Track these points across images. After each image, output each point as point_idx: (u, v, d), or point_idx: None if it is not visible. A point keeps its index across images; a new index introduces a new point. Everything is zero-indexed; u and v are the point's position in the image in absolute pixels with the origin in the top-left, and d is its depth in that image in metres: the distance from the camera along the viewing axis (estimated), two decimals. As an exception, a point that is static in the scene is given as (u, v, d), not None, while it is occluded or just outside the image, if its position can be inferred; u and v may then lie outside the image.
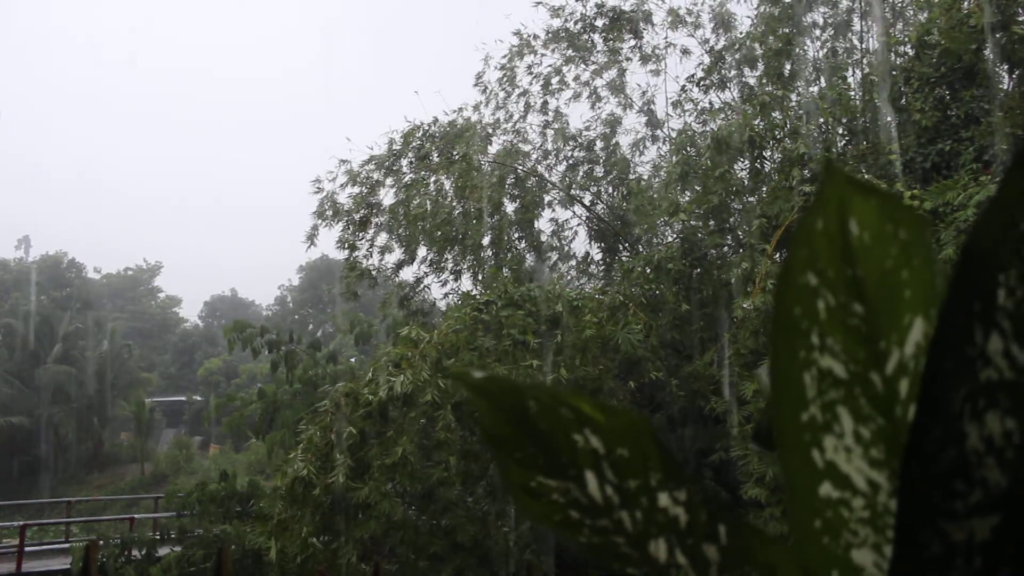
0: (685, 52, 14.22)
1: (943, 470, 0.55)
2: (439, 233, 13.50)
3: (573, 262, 15.55)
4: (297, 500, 8.90)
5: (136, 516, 22.51)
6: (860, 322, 0.62)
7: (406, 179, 13.97)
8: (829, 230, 0.60)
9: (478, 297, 10.48)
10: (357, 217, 14.02)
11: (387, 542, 9.80)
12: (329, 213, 14.05)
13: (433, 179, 13.93)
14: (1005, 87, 10.38)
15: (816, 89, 12.29)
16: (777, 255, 9.66)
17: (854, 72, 12.81)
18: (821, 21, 13.11)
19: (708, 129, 12.29)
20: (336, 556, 9.02)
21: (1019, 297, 0.52)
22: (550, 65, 14.99)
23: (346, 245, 14.15)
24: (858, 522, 0.64)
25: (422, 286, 14.75)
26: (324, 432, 9.18)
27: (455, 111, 14.50)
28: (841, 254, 0.61)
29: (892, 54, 11.37)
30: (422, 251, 14.32)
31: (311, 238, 14.20)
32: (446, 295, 14.58)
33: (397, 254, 14.45)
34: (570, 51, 14.78)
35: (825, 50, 13.10)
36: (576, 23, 14.59)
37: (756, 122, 10.43)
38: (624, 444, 0.66)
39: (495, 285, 10.81)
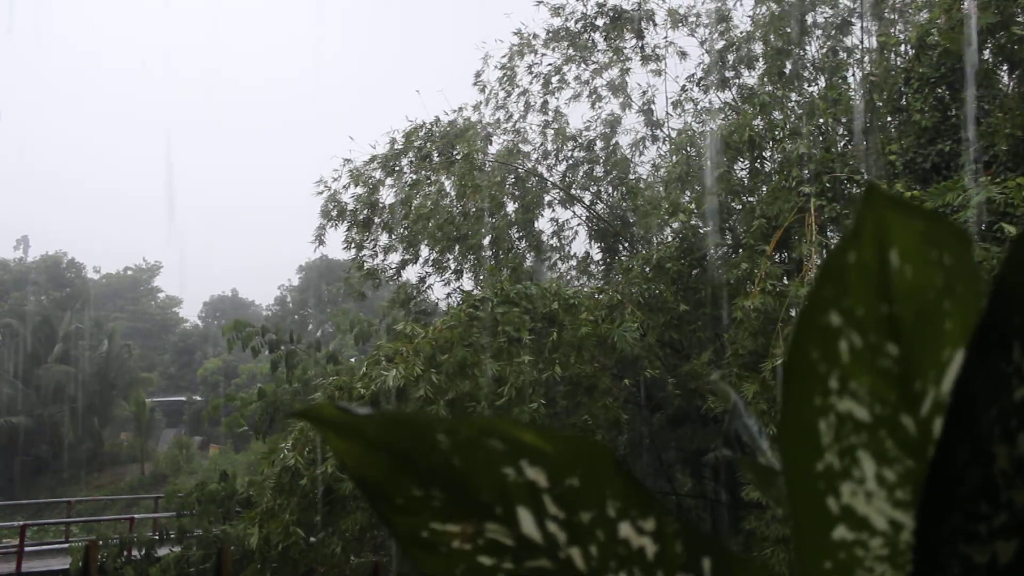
0: (683, 55, 14.21)
1: (968, 491, 0.53)
2: (440, 233, 13.49)
3: (573, 262, 15.55)
4: (284, 490, 8.92)
5: (136, 516, 22.54)
6: (893, 363, 0.57)
7: (407, 179, 13.97)
8: (864, 264, 0.55)
9: (475, 295, 10.48)
10: (360, 217, 14.04)
11: (375, 535, 9.82)
12: (334, 213, 14.10)
13: (434, 179, 13.93)
14: (1005, 87, 10.37)
15: (816, 89, 12.29)
16: (776, 256, 9.65)
17: (854, 72, 12.80)
18: (821, 21, 13.10)
19: (708, 129, 12.28)
20: (321, 546, 9.04)
21: (1063, 312, 0.49)
22: (550, 64, 15.00)
23: (352, 245, 14.19)
24: (875, 560, 0.60)
25: (425, 286, 14.77)
26: (315, 424, 9.17)
27: (455, 111, 14.52)
28: (876, 290, 0.55)
29: (892, 54, 11.36)
30: (424, 251, 14.32)
31: (319, 238, 14.27)
32: (448, 295, 14.59)
33: (399, 254, 14.47)
34: (570, 50, 14.77)
35: (825, 50, 13.09)
36: (577, 22, 14.58)
37: (756, 122, 10.42)
38: (575, 473, 0.59)
39: (493, 282, 10.81)
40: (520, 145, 15.03)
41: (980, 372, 0.51)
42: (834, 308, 0.56)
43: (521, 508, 0.59)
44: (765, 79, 12.20)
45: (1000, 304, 0.50)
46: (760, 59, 12.75)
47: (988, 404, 0.51)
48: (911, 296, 0.56)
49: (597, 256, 15.39)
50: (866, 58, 12.56)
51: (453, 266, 14.36)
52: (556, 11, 14.56)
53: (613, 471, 0.60)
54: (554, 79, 14.96)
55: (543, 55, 14.95)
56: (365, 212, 14.02)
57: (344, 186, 14.13)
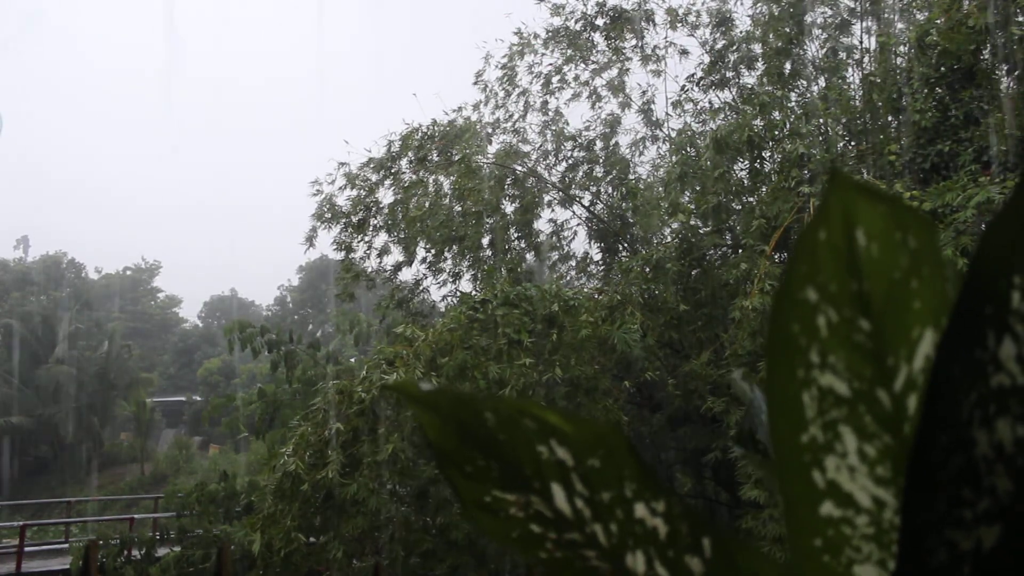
0: (684, 53, 14.20)
1: (950, 477, 0.54)
2: (438, 234, 13.49)
3: (573, 262, 15.54)
4: (286, 495, 8.91)
5: (136, 516, 22.53)
6: (866, 338, 0.60)
7: (405, 180, 13.95)
8: (833, 242, 0.58)
9: (475, 296, 10.47)
10: (355, 219, 14.01)
11: (377, 539, 9.83)
12: (328, 215, 14.05)
13: (432, 179, 13.92)
14: (1005, 87, 10.37)
15: (816, 89, 12.29)
16: (776, 256, 9.65)
17: (854, 72, 12.80)
18: (821, 21, 13.10)
19: (708, 129, 12.28)
20: (323, 551, 9.04)
21: (1033, 301, 0.50)
22: (550, 65, 14.99)
23: (343, 247, 14.15)
24: (861, 539, 0.62)
25: (421, 287, 14.76)
26: (316, 428, 9.18)
27: (455, 110, 14.51)
28: (846, 267, 0.58)
29: (892, 54, 11.37)
30: (421, 252, 14.31)
31: (310, 240, 14.21)
32: (445, 297, 14.58)
33: (396, 255, 14.45)
34: (570, 50, 14.76)
35: (825, 50, 13.09)
36: (577, 22, 14.57)
37: (756, 122, 10.42)
38: (595, 455, 0.64)
39: (492, 284, 10.81)
40: (519, 145, 15.03)
41: (957, 359, 0.52)
42: (810, 284, 0.59)
43: (554, 484, 0.65)
44: (765, 79, 12.20)
45: (973, 293, 0.51)
46: (760, 59, 12.75)
47: (967, 390, 0.52)
48: (879, 274, 0.58)
49: (597, 256, 15.40)
50: (866, 58, 12.57)
51: (451, 267, 14.36)
52: (556, 10, 14.56)
53: (628, 454, 0.64)
54: (554, 79, 14.97)
55: (543, 55, 14.96)
56: (360, 214, 13.99)
57: (340, 188, 14.11)
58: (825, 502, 0.62)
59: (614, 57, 14.55)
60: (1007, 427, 0.51)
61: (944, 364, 0.53)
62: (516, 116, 15.14)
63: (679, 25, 14.07)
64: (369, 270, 14.47)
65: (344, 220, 14.04)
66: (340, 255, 14.46)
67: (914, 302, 0.59)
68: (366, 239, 14.27)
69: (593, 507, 0.64)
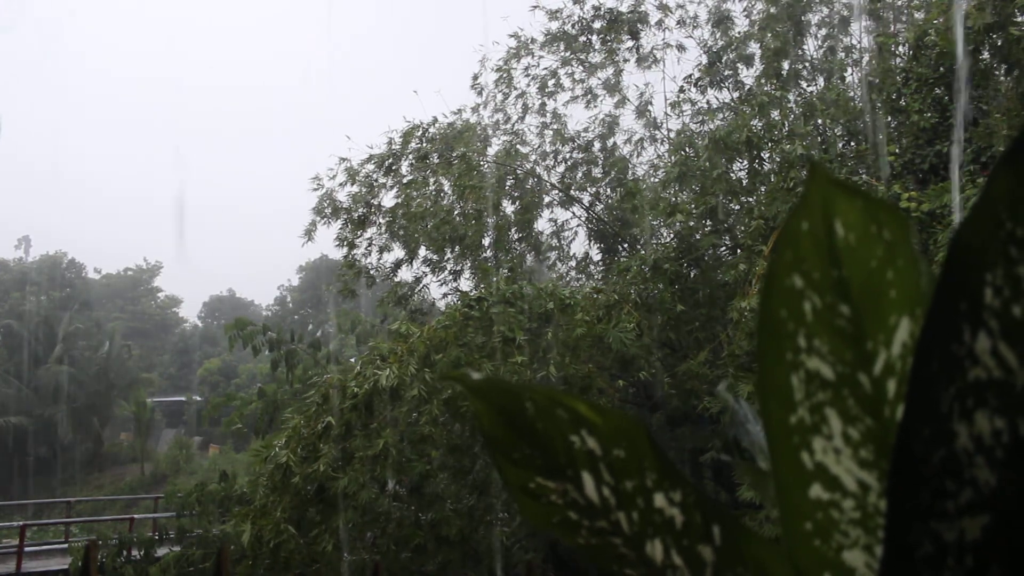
0: (681, 48, 14.19)
1: (933, 470, 0.55)
2: (437, 233, 13.50)
3: (572, 262, 15.57)
4: (276, 487, 8.92)
5: (136, 516, 22.54)
6: (847, 323, 0.62)
7: (406, 178, 13.96)
8: (815, 232, 0.61)
9: (472, 294, 10.47)
10: (356, 215, 14.01)
11: (368, 533, 9.84)
12: (328, 211, 14.04)
13: (432, 179, 13.93)
14: (1004, 87, 10.38)
15: (814, 89, 12.30)
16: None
17: (853, 72, 12.82)
18: (820, 21, 13.11)
19: (706, 129, 12.29)
20: (314, 544, 9.04)
21: (1006, 296, 0.52)
22: (546, 68, 15.01)
23: (344, 243, 14.14)
24: (849, 523, 0.64)
25: (421, 286, 14.76)
26: (308, 422, 9.19)
27: (455, 112, 14.53)
28: (827, 256, 0.61)
29: (891, 54, 11.38)
30: (421, 251, 14.31)
31: (309, 234, 14.19)
32: (445, 295, 14.59)
33: (396, 253, 14.46)
34: (567, 53, 14.78)
35: (824, 50, 13.10)
36: (574, 25, 14.58)
37: (754, 122, 10.43)
38: (620, 445, 0.66)
39: (487, 282, 10.82)
40: (518, 146, 15.04)
41: (935, 354, 0.54)
42: (796, 271, 0.62)
43: (584, 472, 0.68)
44: (763, 80, 12.21)
45: (948, 290, 0.53)
46: (758, 59, 12.76)
47: (945, 385, 0.54)
48: (856, 262, 0.61)
49: (596, 257, 15.42)
50: (865, 58, 12.58)
51: (450, 266, 14.36)
52: (553, 15, 14.58)
53: (649, 445, 0.67)
54: (552, 82, 14.97)
55: (540, 58, 14.98)
56: (361, 210, 13.98)
57: (340, 184, 14.10)
58: (814, 484, 0.64)
59: (611, 59, 14.56)
60: (985, 420, 0.53)
61: (923, 358, 0.55)
62: (515, 118, 15.18)
63: (676, 26, 14.10)
64: (370, 268, 14.47)
65: (345, 216, 14.03)
66: (341, 252, 14.46)
67: (890, 291, 0.62)
68: (366, 236, 14.27)
69: (618, 496, 0.67)
